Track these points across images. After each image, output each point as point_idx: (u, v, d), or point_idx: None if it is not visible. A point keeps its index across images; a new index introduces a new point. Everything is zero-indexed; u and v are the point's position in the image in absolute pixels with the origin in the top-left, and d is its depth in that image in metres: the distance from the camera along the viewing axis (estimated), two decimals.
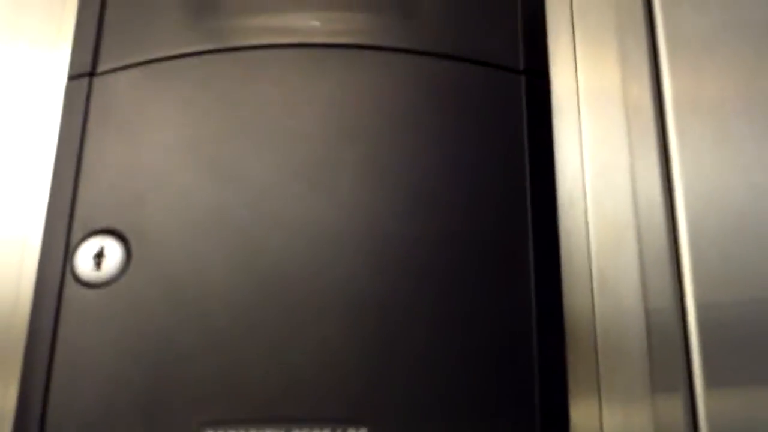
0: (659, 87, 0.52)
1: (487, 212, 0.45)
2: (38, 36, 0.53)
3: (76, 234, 0.45)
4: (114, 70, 0.48)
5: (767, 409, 0.49)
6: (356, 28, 0.48)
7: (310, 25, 0.48)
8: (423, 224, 0.44)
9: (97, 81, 0.48)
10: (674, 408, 0.49)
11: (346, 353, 0.42)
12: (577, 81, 0.52)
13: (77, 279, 0.44)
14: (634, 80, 0.52)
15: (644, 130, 0.52)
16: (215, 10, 0.49)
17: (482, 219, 0.44)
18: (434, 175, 0.45)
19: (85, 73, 0.49)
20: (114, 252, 0.44)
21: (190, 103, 0.47)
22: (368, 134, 0.46)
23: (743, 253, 0.51)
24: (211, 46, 0.48)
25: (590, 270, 0.49)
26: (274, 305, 0.43)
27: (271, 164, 0.46)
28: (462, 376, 0.42)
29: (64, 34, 0.52)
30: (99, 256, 0.44)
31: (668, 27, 0.53)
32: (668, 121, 0.52)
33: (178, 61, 0.48)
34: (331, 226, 0.45)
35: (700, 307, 0.50)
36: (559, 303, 0.45)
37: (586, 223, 0.50)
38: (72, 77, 0.49)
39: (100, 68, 0.49)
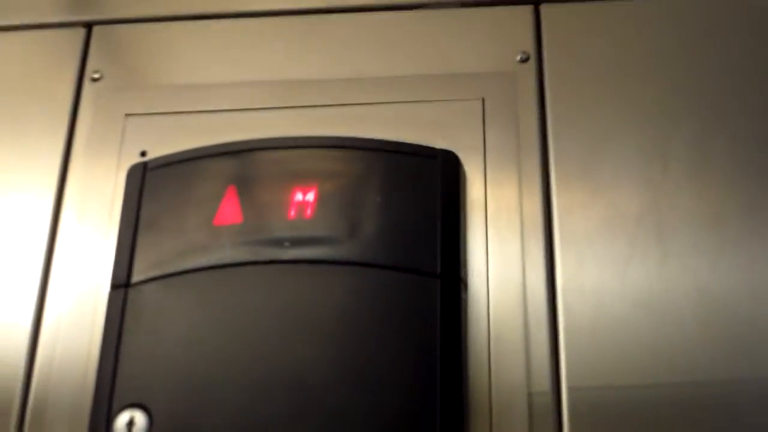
0: (553, 275, 0.69)
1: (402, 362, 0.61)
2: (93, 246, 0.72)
3: (115, 406, 0.63)
4: (143, 282, 0.67)
5: None
6: (317, 247, 0.66)
7: (284, 246, 0.66)
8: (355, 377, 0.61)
9: (131, 291, 0.67)
10: None
11: None
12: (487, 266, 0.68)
13: None
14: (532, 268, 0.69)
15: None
16: (216, 236, 0.67)
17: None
18: (366, 349, 0.62)
19: (122, 284, 0.67)
20: (141, 420, 0.62)
21: (199, 307, 0.65)
22: (321, 327, 0.63)
23: (612, 346, 0.65)
24: (213, 264, 0.66)
25: (489, 355, 0.65)
26: None
27: (255, 349, 0.63)
28: None
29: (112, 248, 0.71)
30: (130, 423, 0.62)
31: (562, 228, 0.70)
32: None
33: (190, 274, 0.66)
34: (313, 390, 0.61)
35: (572, 391, 0.64)
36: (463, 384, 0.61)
37: (488, 316, 0.66)
38: (113, 287, 0.68)
39: (133, 280, 0.67)
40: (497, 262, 0.68)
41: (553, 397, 0.64)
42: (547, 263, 0.68)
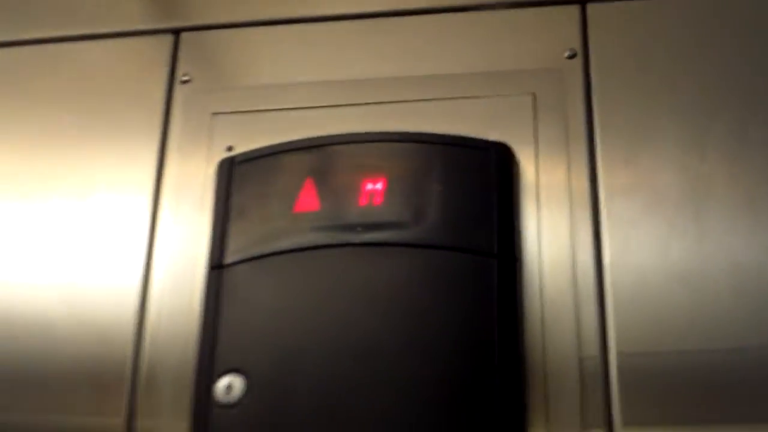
0: (600, 252, 0.76)
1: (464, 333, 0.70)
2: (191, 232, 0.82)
3: (216, 372, 0.72)
4: (235, 263, 0.76)
5: None
6: (385, 231, 0.74)
7: (356, 231, 0.74)
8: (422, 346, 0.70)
9: (225, 271, 0.76)
10: None
11: None
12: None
13: (216, 402, 0.72)
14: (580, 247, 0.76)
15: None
16: (296, 222, 0.76)
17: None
18: (430, 321, 0.71)
19: (217, 266, 0.77)
20: (238, 384, 0.71)
21: (284, 285, 0.74)
22: (390, 302, 0.72)
23: (659, 311, 0.72)
24: (294, 247, 0.75)
25: (542, 324, 0.72)
26: (349, 403, 0.69)
27: (333, 322, 0.72)
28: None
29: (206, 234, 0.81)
30: (229, 387, 0.72)
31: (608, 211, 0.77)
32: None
33: (274, 257, 0.75)
34: (385, 359, 0.70)
35: (620, 356, 0.71)
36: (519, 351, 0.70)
37: (540, 290, 0.74)
38: (210, 268, 0.77)
39: (227, 262, 0.77)
40: (549, 242, 0.75)
41: (601, 361, 0.71)
42: (594, 242, 0.75)
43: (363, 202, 0.75)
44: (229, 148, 0.84)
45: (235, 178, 0.80)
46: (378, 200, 0.75)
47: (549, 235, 0.76)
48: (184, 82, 0.88)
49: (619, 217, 0.76)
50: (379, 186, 0.76)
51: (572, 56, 0.82)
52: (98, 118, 0.88)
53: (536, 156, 0.79)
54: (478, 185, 0.75)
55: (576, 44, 0.83)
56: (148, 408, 0.77)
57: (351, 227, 0.75)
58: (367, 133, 0.79)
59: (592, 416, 0.70)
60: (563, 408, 0.70)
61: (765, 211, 0.74)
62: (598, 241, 0.75)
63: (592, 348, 0.72)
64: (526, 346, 0.72)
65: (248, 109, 0.86)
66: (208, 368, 0.73)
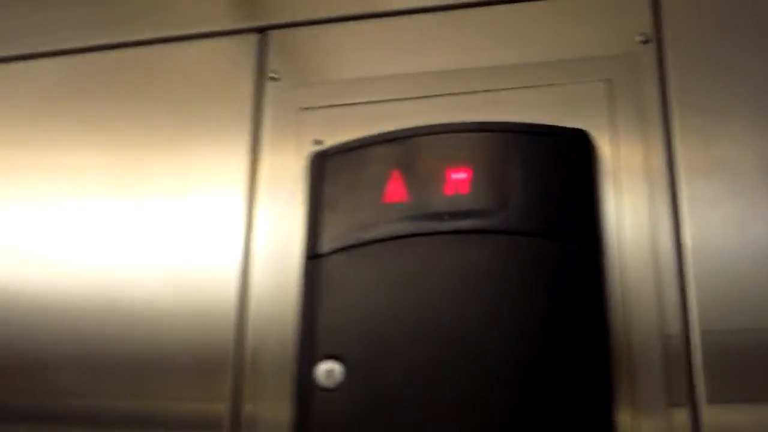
0: (679, 234, 0.79)
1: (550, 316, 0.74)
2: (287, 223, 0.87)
3: (316, 358, 0.78)
4: (330, 253, 0.81)
5: (763, 423, 0.71)
6: (472, 219, 0.78)
7: (444, 219, 0.78)
8: (510, 330, 0.74)
9: (321, 261, 0.81)
10: (682, 420, 0.72)
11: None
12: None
13: (317, 385, 0.77)
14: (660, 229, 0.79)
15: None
16: (386, 212, 0.80)
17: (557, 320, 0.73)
18: (518, 304, 0.74)
19: (314, 255, 0.82)
20: (338, 369, 0.76)
21: (376, 272, 0.79)
22: (478, 287, 0.76)
23: (740, 289, 0.74)
24: (385, 236, 0.79)
25: (624, 304, 0.76)
26: (442, 387, 0.74)
27: (425, 308, 0.76)
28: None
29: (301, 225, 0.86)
30: (330, 371, 0.77)
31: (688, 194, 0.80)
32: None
33: (367, 246, 0.80)
34: (476, 343, 0.74)
35: (702, 334, 0.74)
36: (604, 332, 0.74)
37: (621, 271, 0.77)
38: (307, 258, 0.82)
39: (322, 252, 0.81)
40: (629, 225, 0.78)
41: (683, 338, 0.74)
42: (673, 223, 0.78)
43: (449, 191, 0.79)
44: (318, 142, 0.88)
45: (326, 170, 0.84)
46: (464, 189, 0.79)
47: (629, 218, 0.79)
48: (273, 79, 0.92)
49: (698, 199, 0.78)
50: (464, 175, 0.79)
51: (645, 41, 0.84)
52: (191, 117, 0.93)
53: (613, 141, 0.81)
54: (559, 172, 0.78)
55: (648, 29, 0.85)
56: (252, 392, 0.83)
57: (439, 216, 0.79)
58: (450, 124, 0.83)
59: (676, 394, 0.73)
60: (648, 387, 0.74)
61: None
62: (677, 222, 0.78)
63: (675, 326, 0.75)
64: (611, 325, 0.76)
65: (335, 103, 0.90)
66: (308, 354, 0.78)
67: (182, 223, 0.89)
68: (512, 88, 0.86)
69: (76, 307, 0.89)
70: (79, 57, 1.00)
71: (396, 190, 0.80)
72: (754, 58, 0.81)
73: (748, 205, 0.77)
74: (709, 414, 0.72)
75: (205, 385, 0.83)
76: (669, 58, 0.83)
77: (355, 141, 0.85)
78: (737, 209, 0.77)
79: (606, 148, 0.81)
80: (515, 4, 0.89)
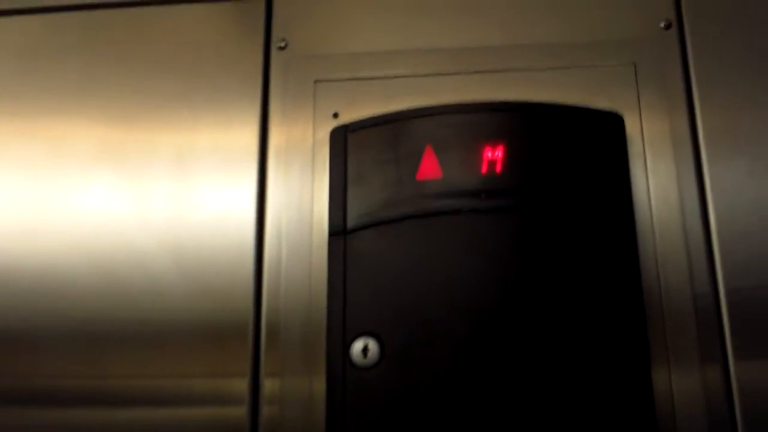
0: (706, 209, 0.80)
1: (588, 289, 0.74)
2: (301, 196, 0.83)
3: (349, 335, 0.75)
4: (357, 229, 0.78)
5: None
6: (507, 198, 0.77)
7: (480, 197, 0.77)
8: (547, 305, 0.73)
9: (348, 237, 0.78)
10: (715, 375, 0.75)
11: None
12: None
13: (353, 364, 0.74)
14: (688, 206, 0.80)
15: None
16: (420, 189, 0.78)
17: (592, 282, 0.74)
18: (553, 278, 0.74)
19: (340, 232, 0.79)
20: (374, 346, 0.74)
21: (410, 249, 0.76)
22: (513, 263, 0.75)
23: (765, 247, 0.78)
24: (420, 212, 0.77)
25: (657, 266, 0.78)
26: (479, 365, 0.72)
27: (460, 285, 0.75)
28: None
29: (316, 199, 0.83)
30: (365, 350, 0.74)
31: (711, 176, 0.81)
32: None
33: (400, 222, 0.77)
34: (514, 318, 0.73)
35: (728, 291, 0.77)
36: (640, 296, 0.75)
37: (653, 232, 0.79)
38: (331, 234, 0.79)
39: (348, 228, 0.78)
40: (658, 200, 0.80)
41: (712, 297, 0.77)
42: (699, 199, 0.80)
43: (484, 169, 0.78)
44: (336, 115, 0.85)
45: (350, 145, 0.81)
46: (499, 168, 0.78)
47: (658, 194, 0.80)
48: (281, 48, 0.88)
49: (721, 174, 0.81)
50: (499, 154, 0.78)
51: (668, 26, 0.85)
52: (197, 83, 0.88)
53: (641, 123, 0.82)
54: (593, 152, 0.78)
55: (671, 15, 0.86)
56: (271, 368, 0.79)
57: (475, 194, 0.77)
58: (484, 103, 0.82)
59: (708, 351, 0.76)
60: (682, 345, 0.76)
61: None
62: (703, 196, 0.81)
63: (704, 287, 0.78)
64: (645, 290, 0.77)
65: (352, 76, 0.87)
66: (340, 331, 0.75)
67: (188, 196, 0.84)
68: (538, 69, 0.86)
69: (72, 284, 0.82)
70: (64, 14, 0.92)
71: (430, 168, 0.78)
72: None
73: (767, 178, 0.80)
74: (738, 368, 0.75)
75: (223, 361, 0.79)
76: (690, 44, 0.85)
77: (379, 117, 0.82)
78: (758, 184, 0.80)
79: (635, 128, 0.82)
80: None
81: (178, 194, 0.84)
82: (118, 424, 0.79)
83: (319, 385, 0.78)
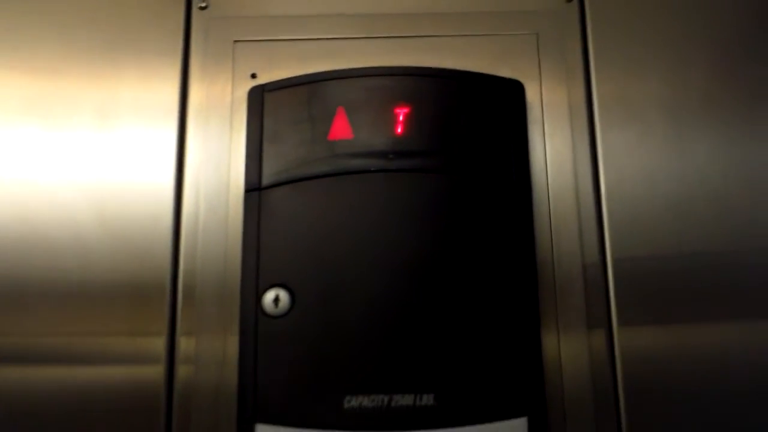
0: (597, 174, 0.87)
1: (486, 248, 0.80)
2: (219, 153, 0.87)
3: (261, 286, 0.79)
4: (272, 186, 0.82)
5: (673, 343, 0.81)
6: (414, 159, 0.82)
7: (389, 158, 0.81)
8: (449, 261, 0.79)
9: (263, 193, 0.82)
10: (599, 341, 0.81)
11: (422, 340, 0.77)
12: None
13: (264, 313, 0.79)
14: (581, 170, 0.86)
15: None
16: (331, 149, 0.82)
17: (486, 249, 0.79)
18: (454, 237, 0.80)
19: (255, 188, 0.83)
20: (285, 296, 0.79)
21: (322, 206, 0.81)
22: (418, 221, 0.80)
23: (651, 218, 0.84)
24: (331, 171, 0.82)
25: (551, 235, 0.84)
26: (384, 314, 0.78)
27: (368, 240, 0.80)
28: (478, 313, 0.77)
29: (233, 157, 0.86)
30: (276, 300, 0.79)
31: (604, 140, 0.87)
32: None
33: (312, 180, 0.82)
34: (416, 271, 0.79)
35: (615, 262, 0.83)
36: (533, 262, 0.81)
37: (550, 208, 0.85)
38: (247, 190, 0.83)
39: (264, 184, 0.83)
40: (554, 167, 0.86)
41: (600, 266, 0.84)
42: (592, 167, 0.86)
43: (392, 131, 0.82)
44: (254, 75, 0.88)
45: (267, 105, 0.85)
46: (406, 130, 0.82)
47: (554, 161, 0.86)
48: (202, 8, 0.91)
49: (614, 145, 0.87)
50: (406, 116, 0.83)
51: (569, 0, 0.91)
52: (118, 39, 0.90)
53: (540, 90, 0.88)
54: (496, 118, 0.84)
55: None
56: (188, 326, 0.83)
57: (383, 154, 0.82)
58: (393, 67, 0.86)
59: (595, 318, 0.82)
60: (571, 311, 0.82)
61: (739, 144, 0.86)
62: (596, 165, 0.86)
63: (594, 256, 0.84)
64: (539, 258, 0.83)
65: (270, 38, 0.90)
66: (253, 283, 0.80)
67: (109, 152, 0.87)
68: (445, 36, 0.90)
69: None
70: None
71: (341, 128, 0.83)
72: (667, 18, 0.90)
73: (655, 151, 0.86)
74: (621, 334, 0.82)
75: (142, 320, 0.82)
76: (590, 18, 0.90)
77: (295, 78, 0.86)
78: (646, 154, 0.86)
79: (535, 96, 0.87)
80: None
81: (101, 148, 0.87)
82: (33, 382, 0.81)
83: (233, 345, 0.81)
